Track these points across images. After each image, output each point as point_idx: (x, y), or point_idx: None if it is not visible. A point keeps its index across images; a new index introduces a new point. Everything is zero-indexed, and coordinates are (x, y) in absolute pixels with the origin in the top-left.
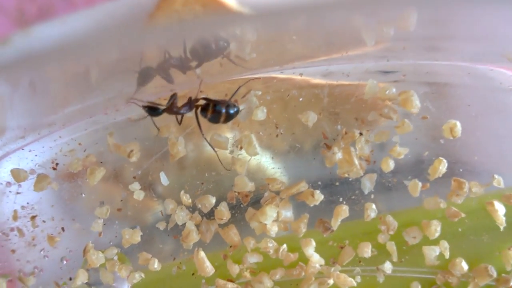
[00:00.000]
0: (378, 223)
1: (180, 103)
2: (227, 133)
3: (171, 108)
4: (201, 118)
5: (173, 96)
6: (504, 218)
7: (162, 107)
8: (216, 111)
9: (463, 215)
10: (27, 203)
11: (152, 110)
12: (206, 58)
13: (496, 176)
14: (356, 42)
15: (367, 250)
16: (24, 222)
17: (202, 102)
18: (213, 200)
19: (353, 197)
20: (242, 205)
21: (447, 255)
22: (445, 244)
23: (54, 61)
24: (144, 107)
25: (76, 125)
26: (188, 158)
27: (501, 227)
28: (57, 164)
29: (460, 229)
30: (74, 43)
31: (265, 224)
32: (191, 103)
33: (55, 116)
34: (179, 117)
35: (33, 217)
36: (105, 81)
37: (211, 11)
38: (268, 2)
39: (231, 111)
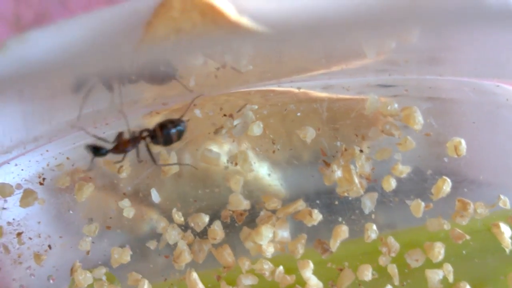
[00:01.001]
0: (379, 244)
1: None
2: (222, 147)
3: (118, 148)
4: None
5: (119, 135)
6: (510, 241)
7: (108, 147)
8: (165, 134)
9: (467, 237)
10: (13, 219)
11: (96, 149)
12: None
13: (502, 196)
14: (356, 55)
15: (367, 273)
16: (10, 239)
17: (145, 132)
18: (206, 218)
19: (353, 217)
20: (236, 224)
21: (451, 279)
22: (448, 267)
23: (45, 71)
24: (86, 146)
25: (64, 139)
26: (180, 174)
27: (507, 250)
28: (44, 179)
29: (464, 252)
30: (69, 53)
31: (261, 245)
32: (136, 137)
33: (42, 128)
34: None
35: (19, 234)
36: (95, 93)
37: (209, 19)
38: (267, 13)
39: (181, 127)
